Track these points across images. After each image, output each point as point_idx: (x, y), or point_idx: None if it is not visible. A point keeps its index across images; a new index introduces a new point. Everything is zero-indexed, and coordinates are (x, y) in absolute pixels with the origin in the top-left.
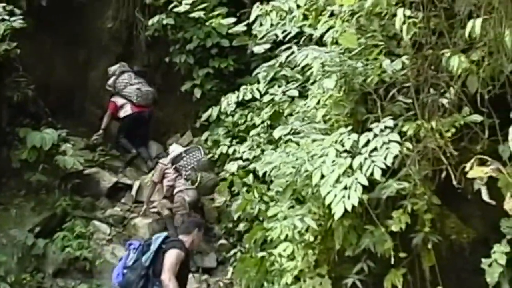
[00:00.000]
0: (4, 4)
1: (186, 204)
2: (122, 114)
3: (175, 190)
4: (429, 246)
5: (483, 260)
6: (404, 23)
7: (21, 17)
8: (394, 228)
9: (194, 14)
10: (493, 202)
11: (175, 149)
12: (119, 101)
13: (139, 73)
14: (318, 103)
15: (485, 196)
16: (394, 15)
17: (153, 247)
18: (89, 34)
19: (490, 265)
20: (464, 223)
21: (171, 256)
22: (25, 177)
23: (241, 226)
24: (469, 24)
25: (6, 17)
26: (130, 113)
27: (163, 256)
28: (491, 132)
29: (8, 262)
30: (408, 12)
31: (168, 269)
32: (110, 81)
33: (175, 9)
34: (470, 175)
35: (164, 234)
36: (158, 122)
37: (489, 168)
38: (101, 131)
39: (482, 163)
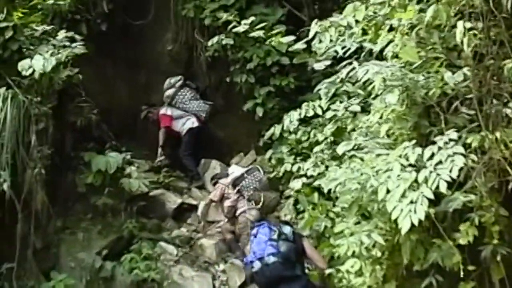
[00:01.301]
0: (65, 31)
1: (251, 224)
2: (187, 125)
3: (238, 211)
4: (498, 258)
5: None
6: (464, 34)
7: (81, 42)
8: (462, 241)
9: (253, 34)
10: None
11: (234, 170)
12: (175, 113)
13: (198, 89)
14: (381, 117)
15: None
16: (454, 26)
17: (289, 227)
18: (149, 57)
19: None
20: None
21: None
22: (91, 201)
23: None
24: None
25: (67, 44)
26: (198, 125)
27: (299, 238)
28: None
29: (76, 285)
30: (468, 24)
31: (320, 255)
32: (170, 92)
33: (234, 29)
34: None
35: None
36: (221, 142)
37: None
38: (160, 150)
39: None
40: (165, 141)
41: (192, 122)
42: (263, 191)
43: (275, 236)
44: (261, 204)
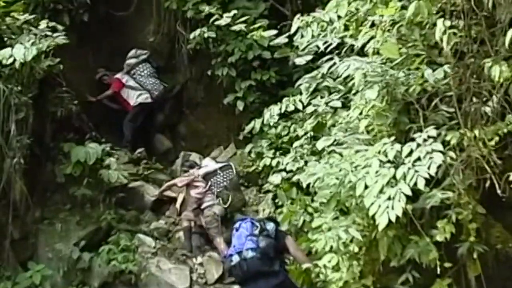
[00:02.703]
0: (47, 21)
1: (218, 217)
2: (140, 99)
3: (204, 205)
4: (475, 255)
5: None
6: (444, 33)
7: (63, 33)
8: (439, 238)
9: (236, 27)
10: None
11: (208, 163)
12: (129, 82)
13: (158, 69)
14: (360, 113)
15: None
16: (435, 24)
17: (272, 224)
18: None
19: None
20: (510, 232)
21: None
22: (70, 192)
23: None
24: (510, 32)
25: (49, 33)
26: (150, 101)
27: (282, 236)
28: None
29: (54, 276)
30: (448, 23)
31: (304, 254)
32: (132, 61)
33: (216, 22)
34: None
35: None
36: (201, 135)
37: None
38: (92, 99)
39: None
40: (103, 99)
41: (145, 98)
42: (233, 190)
43: (256, 232)
44: (228, 203)
